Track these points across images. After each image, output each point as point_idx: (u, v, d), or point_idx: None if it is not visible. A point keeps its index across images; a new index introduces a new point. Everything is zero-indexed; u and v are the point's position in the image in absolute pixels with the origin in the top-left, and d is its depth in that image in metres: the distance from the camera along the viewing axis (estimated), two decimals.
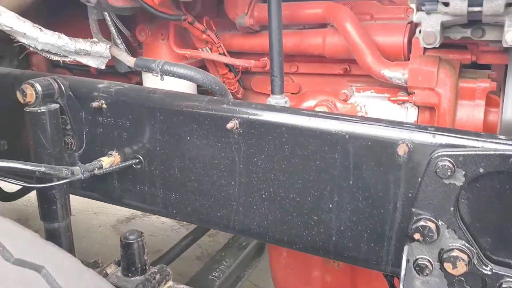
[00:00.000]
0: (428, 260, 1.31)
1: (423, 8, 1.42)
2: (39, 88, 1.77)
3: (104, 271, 1.77)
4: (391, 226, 1.41)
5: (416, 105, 1.73)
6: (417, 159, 1.33)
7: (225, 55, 2.08)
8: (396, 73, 1.71)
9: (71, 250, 1.85)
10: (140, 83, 2.27)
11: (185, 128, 1.68)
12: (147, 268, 1.76)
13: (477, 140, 1.26)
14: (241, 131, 1.57)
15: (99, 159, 1.76)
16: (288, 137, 1.51)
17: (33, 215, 4.67)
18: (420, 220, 1.30)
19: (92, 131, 1.88)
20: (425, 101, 1.66)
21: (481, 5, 1.34)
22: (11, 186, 2.28)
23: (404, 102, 1.76)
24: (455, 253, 1.26)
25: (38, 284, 1.13)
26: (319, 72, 2.05)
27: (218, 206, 1.68)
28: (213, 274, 2.63)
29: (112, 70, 2.25)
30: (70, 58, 1.99)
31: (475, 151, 1.23)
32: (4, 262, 1.14)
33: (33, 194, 2.44)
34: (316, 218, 1.51)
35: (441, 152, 1.27)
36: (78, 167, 1.71)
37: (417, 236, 1.29)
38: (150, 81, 2.04)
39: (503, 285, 1.25)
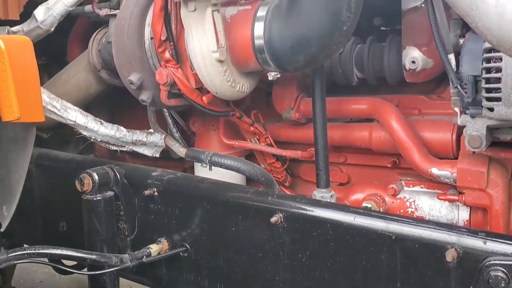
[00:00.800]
0: None
1: (467, 112, 1.41)
2: (96, 177, 1.88)
3: None
4: None
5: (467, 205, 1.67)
6: (468, 266, 1.27)
7: (273, 145, 2.13)
8: (444, 172, 1.67)
9: None
10: (193, 166, 2.34)
11: (231, 218, 1.70)
12: None
13: None
14: (285, 225, 1.58)
15: (148, 246, 1.81)
16: (333, 234, 1.49)
17: None
18: None
19: (144, 217, 1.95)
20: (475, 202, 1.61)
21: None
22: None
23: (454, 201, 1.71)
24: None
25: None
26: (367, 163, 2.05)
27: None
28: None
29: (167, 155, 2.35)
30: (127, 148, 2.11)
31: None
32: None
33: None
34: None
35: (494, 260, 1.21)
36: (127, 255, 1.76)
37: None
38: (201, 169, 2.11)
39: None
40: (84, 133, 2.04)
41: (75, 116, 1.98)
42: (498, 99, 1.36)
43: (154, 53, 1.81)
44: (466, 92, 1.37)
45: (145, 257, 1.78)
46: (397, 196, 1.88)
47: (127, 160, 2.62)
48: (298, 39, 1.54)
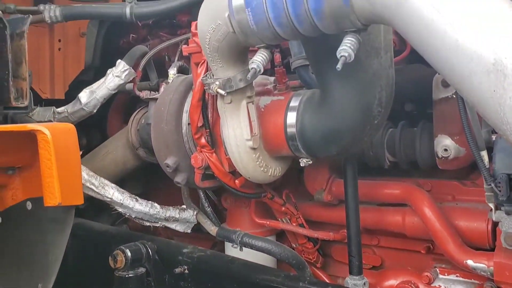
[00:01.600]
0: None
1: (502, 208, 1.39)
2: (129, 254, 1.92)
3: None
4: None
5: None
6: None
7: (304, 225, 2.12)
8: (480, 265, 1.63)
9: None
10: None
11: None
12: None
13: None
14: None
15: None
16: None
17: None
18: None
19: None
20: None
21: None
22: None
23: None
24: None
25: None
26: (400, 247, 2.01)
27: None
28: None
29: (199, 227, 2.36)
30: (160, 224, 2.15)
31: None
32: None
33: None
34: None
35: None
36: None
37: None
38: (232, 248, 2.11)
39: None
40: (120, 209, 2.10)
41: (112, 193, 2.05)
42: None
43: (190, 138, 1.88)
44: (500, 191, 1.35)
45: None
46: (432, 284, 1.83)
47: (159, 231, 2.65)
48: (329, 131, 1.58)
